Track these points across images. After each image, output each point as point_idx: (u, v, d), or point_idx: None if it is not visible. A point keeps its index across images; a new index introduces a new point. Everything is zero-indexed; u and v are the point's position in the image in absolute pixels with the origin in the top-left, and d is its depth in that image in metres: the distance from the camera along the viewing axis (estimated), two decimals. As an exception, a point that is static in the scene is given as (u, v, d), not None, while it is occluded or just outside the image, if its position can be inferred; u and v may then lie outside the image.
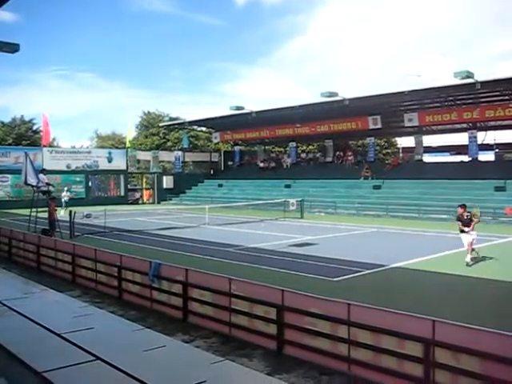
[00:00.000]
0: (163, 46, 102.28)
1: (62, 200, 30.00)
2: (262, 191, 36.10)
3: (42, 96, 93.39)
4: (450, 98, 30.62)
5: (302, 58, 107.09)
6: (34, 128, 54.64)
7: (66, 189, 32.59)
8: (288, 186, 35.95)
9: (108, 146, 53.46)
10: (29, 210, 18.63)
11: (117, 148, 48.42)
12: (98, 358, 3.90)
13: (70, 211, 18.68)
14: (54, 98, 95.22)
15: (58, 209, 27.00)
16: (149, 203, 40.75)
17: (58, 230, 17.67)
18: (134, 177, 44.47)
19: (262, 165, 42.17)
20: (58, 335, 4.50)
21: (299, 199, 27.79)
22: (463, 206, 13.35)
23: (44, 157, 35.67)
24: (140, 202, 41.15)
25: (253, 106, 36.18)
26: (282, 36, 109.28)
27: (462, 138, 33.67)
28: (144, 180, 43.45)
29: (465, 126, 32.21)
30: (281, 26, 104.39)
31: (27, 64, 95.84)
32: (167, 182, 41.84)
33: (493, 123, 31.87)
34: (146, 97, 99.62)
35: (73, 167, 37.71)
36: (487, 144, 33.64)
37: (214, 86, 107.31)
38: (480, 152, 31.54)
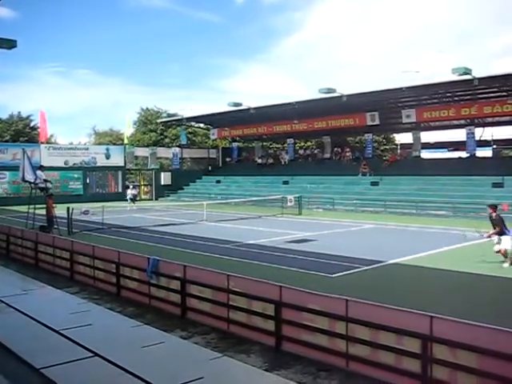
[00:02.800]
0: (161, 43, 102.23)
1: (128, 197, 32.81)
2: (260, 187, 36.11)
3: (39, 92, 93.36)
4: (448, 95, 30.64)
5: (300, 54, 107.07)
6: (32, 124, 54.55)
7: (131, 186, 35.33)
8: (286, 183, 35.97)
9: (106, 143, 53.34)
10: (27, 206, 18.60)
11: (114, 144, 48.32)
12: (96, 355, 3.90)
13: (68, 207, 18.65)
14: (51, 94, 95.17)
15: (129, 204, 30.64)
16: (147, 199, 40.74)
17: (55, 226, 17.67)
18: (132, 173, 44.42)
19: (259, 161, 42.16)
20: (57, 332, 4.50)
21: (297, 195, 27.80)
22: (492, 207, 12.33)
23: (42, 153, 35.52)
24: (138, 198, 41.08)
25: (251, 102, 36.17)
26: (280, 32, 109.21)
27: (459, 135, 33.75)
28: (142, 177, 43.42)
29: (463, 122, 32.22)
30: (278, 22, 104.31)
31: (24, 60, 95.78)
32: (165, 178, 41.78)
33: (490, 119, 31.93)
34: (144, 93, 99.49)
35: (70, 164, 37.59)
36: (485, 140, 33.68)
37: (211, 82, 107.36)
38: (478, 148, 31.56)
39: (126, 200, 32.58)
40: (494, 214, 12.06)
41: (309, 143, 49.22)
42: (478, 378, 5.10)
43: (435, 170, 29.46)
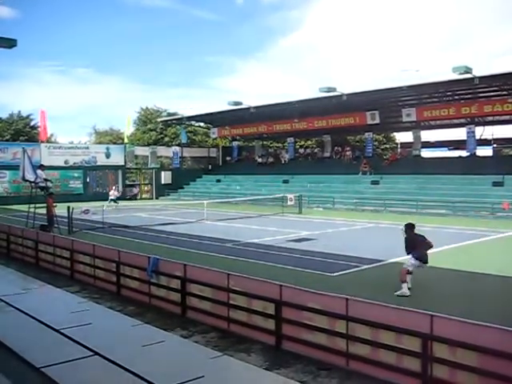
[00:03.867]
0: (160, 41, 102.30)
1: (110, 197, 31.63)
2: (260, 186, 36.11)
3: (39, 91, 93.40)
4: (449, 93, 30.63)
5: (300, 53, 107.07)
6: (32, 124, 54.54)
7: (114, 188, 34.27)
8: (286, 182, 35.96)
9: (106, 142, 53.34)
10: (27, 205, 18.60)
11: (115, 144, 48.32)
12: (97, 354, 3.90)
13: (68, 207, 18.65)
14: (51, 93, 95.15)
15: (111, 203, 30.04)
16: (147, 198, 40.75)
17: (56, 225, 17.66)
18: (132, 172, 44.41)
19: (260, 160, 42.16)
20: (57, 331, 4.51)
21: (297, 194, 27.80)
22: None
23: (42, 152, 35.53)
24: (138, 197, 41.13)
25: (250, 100, 36.30)
26: (279, 30, 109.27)
27: (460, 133, 33.77)
28: (142, 176, 43.43)
29: (463, 121, 32.22)
30: (277, 20, 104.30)
31: (24, 59, 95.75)
32: (165, 177, 41.80)
33: (491, 118, 31.92)
34: (144, 91, 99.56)
35: (71, 163, 37.60)
36: (485, 139, 33.71)
37: (210, 81, 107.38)
38: (478, 147, 31.57)
39: (114, 200, 31.35)
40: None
41: (309, 142, 49.23)
42: (479, 376, 5.10)
43: (435, 169, 29.46)
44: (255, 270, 10.32)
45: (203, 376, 3.47)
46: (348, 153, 37.70)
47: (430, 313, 5.57)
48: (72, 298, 6.89)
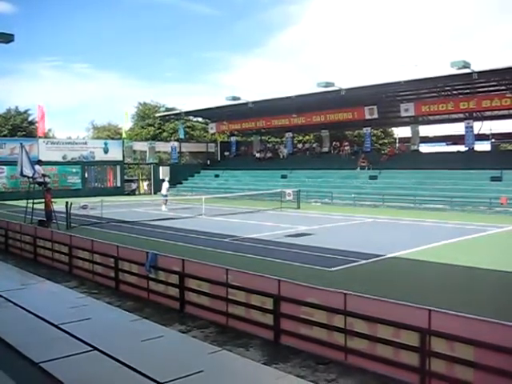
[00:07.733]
0: (158, 36, 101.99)
1: (164, 193, 27.26)
2: (258, 181, 36.09)
3: (37, 87, 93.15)
4: (447, 88, 30.58)
5: (298, 48, 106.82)
6: (30, 119, 54.43)
7: (167, 179, 28.58)
8: (284, 177, 35.95)
9: (104, 137, 53.23)
10: (25, 201, 18.58)
11: (113, 139, 48.22)
12: (96, 349, 3.90)
13: (66, 202, 18.62)
14: (49, 88, 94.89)
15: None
16: (145, 194, 40.69)
17: (54, 221, 17.65)
18: (130, 168, 44.29)
19: (258, 155, 42.13)
20: (55, 326, 4.50)
21: (296, 189, 27.81)
22: None
23: (40, 148, 35.44)
24: (136, 192, 41.05)
25: (249, 95, 36.19)
26: (278, 26, 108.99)
27: (458, 128, 33.81)
28: (140, 171, 43.33)
29: (461, 115, 32.21)
30: (276, 15, 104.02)
31: (21, 54, 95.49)
32: (163, 172, 41.69)
33: (489, 113, 31.90)
34: (142, 87, 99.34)
35: (69, 158, 37.51)
36: (483, 134, 33.70)
37: (209, 76, 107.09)
38: (476, 142, 31.58)
39: (164, 195, 27.51)
40: None
41: (307, 137, 49.20)
42: (476, 370, 5.12)
43: (434, 164, 29.47)
44: (253, 265, 10.33)
45: (202, 371, 3.47)
46: (346, 148, 37.67)
47: (427, 307, 5.59)
48: (70, 293, 6.88)
